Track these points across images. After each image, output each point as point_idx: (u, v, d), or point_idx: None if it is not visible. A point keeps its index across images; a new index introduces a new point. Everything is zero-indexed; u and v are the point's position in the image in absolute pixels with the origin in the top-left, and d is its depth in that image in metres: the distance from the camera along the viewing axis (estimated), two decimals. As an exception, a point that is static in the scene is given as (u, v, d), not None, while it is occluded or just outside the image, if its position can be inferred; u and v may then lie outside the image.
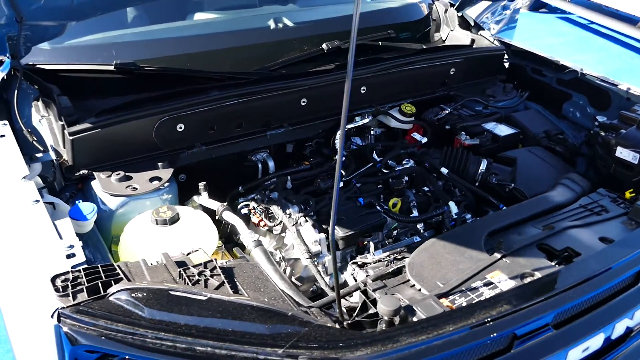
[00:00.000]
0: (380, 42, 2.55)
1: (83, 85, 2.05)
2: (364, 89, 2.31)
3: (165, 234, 1.63)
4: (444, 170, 2.10)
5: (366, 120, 2.32)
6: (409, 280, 1.39)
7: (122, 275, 1.23)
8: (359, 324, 1.32)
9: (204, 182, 1.87)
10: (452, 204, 1.95)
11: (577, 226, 1.60)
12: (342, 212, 1.86)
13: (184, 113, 1.92)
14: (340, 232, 1.77)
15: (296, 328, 1.15)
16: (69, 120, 1.81)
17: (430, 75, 2.51)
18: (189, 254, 1.46)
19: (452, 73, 2.56)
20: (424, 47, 2.58)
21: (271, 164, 2.16)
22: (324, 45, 2.39)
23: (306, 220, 1.80)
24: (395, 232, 1.90)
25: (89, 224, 1.60)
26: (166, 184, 1.83)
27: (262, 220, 1.86)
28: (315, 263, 1.70)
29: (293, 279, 1.75)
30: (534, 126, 2.39)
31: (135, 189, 1.77)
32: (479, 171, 2.10)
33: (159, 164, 1.87)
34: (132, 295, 1.16)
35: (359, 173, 2.09)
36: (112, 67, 1.99)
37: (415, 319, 1.22)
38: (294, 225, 1.78)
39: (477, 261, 1.44)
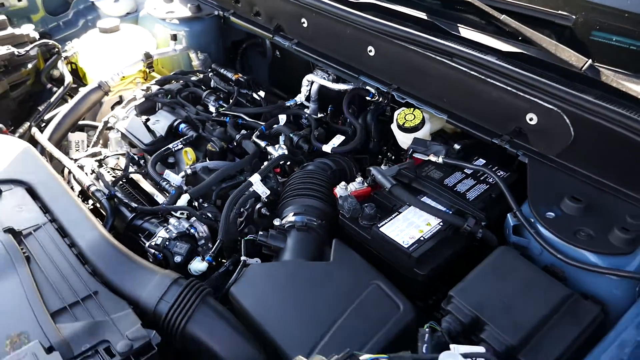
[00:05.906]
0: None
1: None
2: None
3: (107, 40, 2.20)
4: (255, 179, 1.51)
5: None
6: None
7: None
8: None
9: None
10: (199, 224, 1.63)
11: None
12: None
13: None
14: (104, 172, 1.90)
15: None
16: None
17: (493, 103, 1.43)
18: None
19: (530, 122, 1.35)
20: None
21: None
22: None
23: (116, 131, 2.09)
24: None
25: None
26: (175, 20, 2.20)
27: None
28: (77, 166, 1.90)
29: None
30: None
31: (155, 9, 2.23)
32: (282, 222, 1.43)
33: (188, 5, 2.19)
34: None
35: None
36: None
37: None
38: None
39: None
